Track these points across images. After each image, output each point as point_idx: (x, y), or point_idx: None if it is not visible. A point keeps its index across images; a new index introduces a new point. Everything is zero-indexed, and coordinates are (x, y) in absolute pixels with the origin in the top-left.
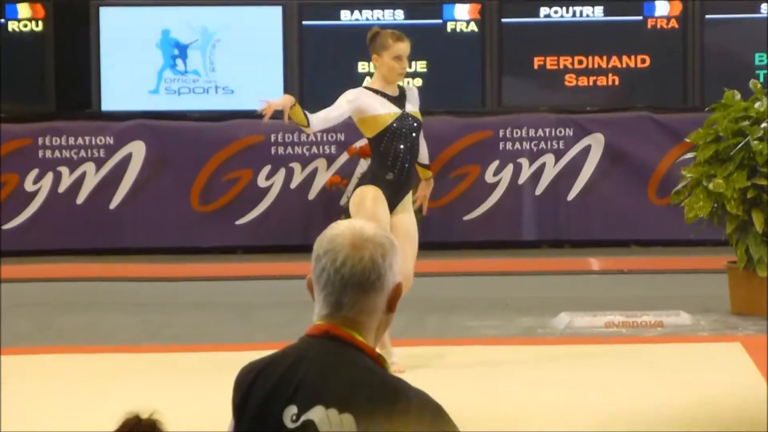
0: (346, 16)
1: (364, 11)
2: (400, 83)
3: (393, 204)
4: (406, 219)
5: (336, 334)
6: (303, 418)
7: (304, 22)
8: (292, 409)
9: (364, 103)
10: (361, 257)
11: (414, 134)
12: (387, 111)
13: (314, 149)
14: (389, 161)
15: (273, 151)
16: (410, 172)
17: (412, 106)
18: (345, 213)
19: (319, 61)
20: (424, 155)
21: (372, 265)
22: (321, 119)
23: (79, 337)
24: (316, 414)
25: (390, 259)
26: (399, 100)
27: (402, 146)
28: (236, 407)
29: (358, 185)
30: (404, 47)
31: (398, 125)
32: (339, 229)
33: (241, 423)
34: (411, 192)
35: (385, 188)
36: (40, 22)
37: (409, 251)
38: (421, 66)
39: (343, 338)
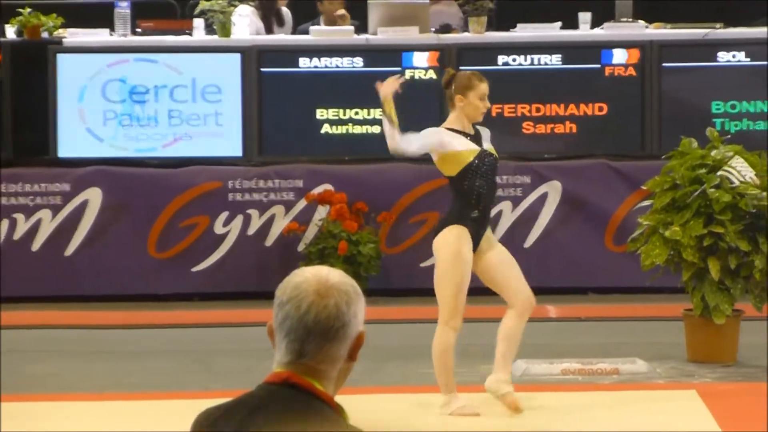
0: (305, 63)
1: (323, 58)
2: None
3: (477, 241)
4: (501, 249)
5: (296, 382)
6: None
7: (262, 69)
8: None
9: (447, 138)
10: (326, 305)
11: (492, 171)
12: (467, 148)
13: (272, 195)
14: (473, 199)
15: (230, 197)
16: (490, 208)
17: (488, 144)
18: (303, 260)
19: (277, 108)
20: None
21: (336, 313)
22: (406, 140)
23: (36, 385)
24: None
25: (354, 307)
26: (476, 138)
27: (483, 183)
28: None
29: (442, 225)
30: (486, 87)
31: (479, 162)
32: (304, 275)
33: None
34: (489, 227)
35: (470, 226)
36: None
37: (518, 272)
38: (378, 113)
39: (303, 387)
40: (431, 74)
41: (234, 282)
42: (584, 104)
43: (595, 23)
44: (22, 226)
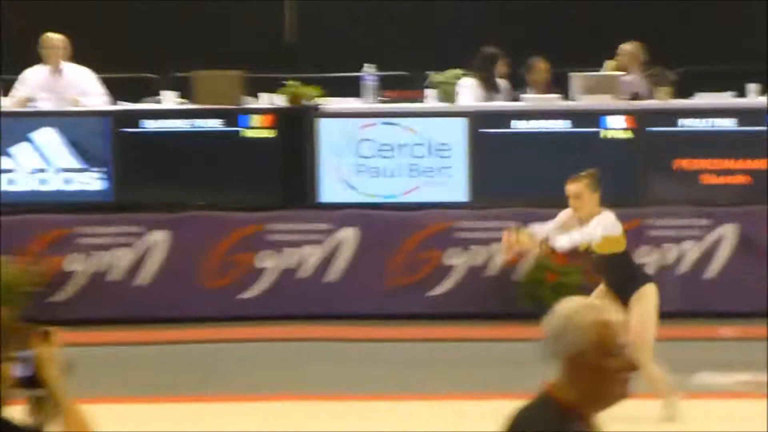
0: (518, 125)
1: (532, 121)
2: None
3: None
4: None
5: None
6: None
7: (481, 130)
8: None
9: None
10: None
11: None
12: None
13: (491, 234)
14: None
15: (457, 235)
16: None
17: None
18: (518, 287)
19: (495, 162)
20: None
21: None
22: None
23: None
24: None
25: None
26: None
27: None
28: None
29: (639, 282)
30: (568, 189)
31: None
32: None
33: None
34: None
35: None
36: (272, 131)
37: None
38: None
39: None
40: (628, 134)
41: (460, 305)
42: (752, 159)
43: (764, 92)
44: (290, 257)
